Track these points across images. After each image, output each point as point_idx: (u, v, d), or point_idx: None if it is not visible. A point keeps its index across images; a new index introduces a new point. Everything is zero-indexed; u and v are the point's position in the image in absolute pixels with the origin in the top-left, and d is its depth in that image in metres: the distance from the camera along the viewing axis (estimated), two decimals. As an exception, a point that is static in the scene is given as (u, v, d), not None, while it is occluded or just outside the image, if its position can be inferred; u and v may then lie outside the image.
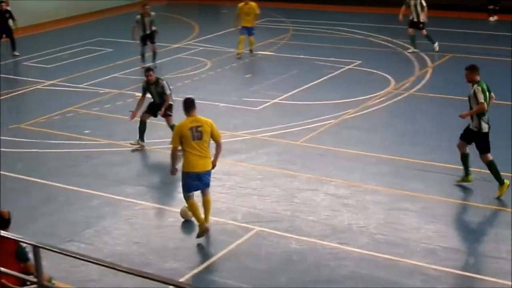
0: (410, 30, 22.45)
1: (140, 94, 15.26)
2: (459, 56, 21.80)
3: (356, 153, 14.36)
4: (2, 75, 21.65)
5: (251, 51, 23.10)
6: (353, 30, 25.67)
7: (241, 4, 23.07)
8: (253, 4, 22.86)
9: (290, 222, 11.52)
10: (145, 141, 15.09)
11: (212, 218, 11.42)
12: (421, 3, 22.21)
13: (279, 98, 18.16)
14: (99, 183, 13.32)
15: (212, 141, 10.96)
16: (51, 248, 7.03)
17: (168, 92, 14.92)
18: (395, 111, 17.17)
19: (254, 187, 12.91)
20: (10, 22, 23.73)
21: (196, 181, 10.85)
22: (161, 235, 11.34)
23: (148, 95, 15.15)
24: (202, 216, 11.03)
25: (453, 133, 15.25)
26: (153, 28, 21.57)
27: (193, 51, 23.80)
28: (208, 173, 10.96)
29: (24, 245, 8.11)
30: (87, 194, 12.86)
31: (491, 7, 27.60)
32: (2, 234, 7.58)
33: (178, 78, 20.32)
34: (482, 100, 11.79)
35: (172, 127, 14.29)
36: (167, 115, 14.98)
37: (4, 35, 23.77)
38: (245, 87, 19.47)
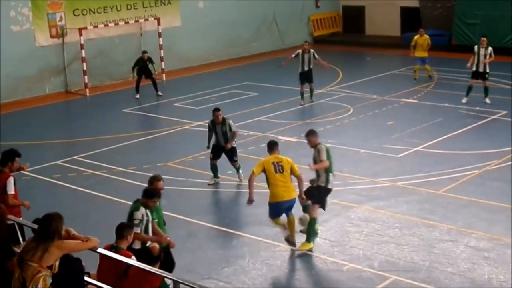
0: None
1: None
2: None
3: (499, 206, 14.00)
4: (152, 115, 22.75)
5: (430, 77, 26.09)
6: (499, 79, 25.10)
7: (416, 36, 26.05)
8: (427, 36, 26.03)
9: (428, 272, 11.36)
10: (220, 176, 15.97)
11: (349, 265, 11.47)
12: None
13: (421, 146, 18.01)
14: (240, 223, 13.69)
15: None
16: (190, 284, 7.30)
17: (234, 128, 15.73)
18: (543, 164, 16.62)
19: (392, 235, 12.84)
20: (150, 66, 24.96)
21: (282, 209, 12.04)
22: (298, 278, 11.50)
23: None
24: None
25: None
26: (311, 66, 22.75)
27: (336, 96, 24.05)
28: (293, 201, 12.05)
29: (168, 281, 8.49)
30: (228, 233, 13.24)
31: None
32: (148, 269, 7.97)
33: (320, 123, 20.57)
34: (325, 158, 12.02)
35: (238, 168, 15.86)
36: (233, 160, 15.79)
37: (143, 76, 25.03)
38: (386, 134, 19.44)
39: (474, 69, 22.07)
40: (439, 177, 15.62)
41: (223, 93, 25.25)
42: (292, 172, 12.00)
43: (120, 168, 17.15)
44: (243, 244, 12.74)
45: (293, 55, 23.11)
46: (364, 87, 25.40)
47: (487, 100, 21.95)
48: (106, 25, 27.77)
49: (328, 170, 12.23)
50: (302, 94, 23.16)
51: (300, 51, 22.92)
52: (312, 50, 23.11)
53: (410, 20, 35.56)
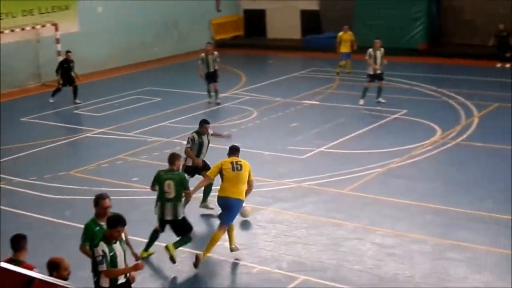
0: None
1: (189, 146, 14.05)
2: (504, 105, 21.71)
3: (402, 202, 14.30)
4: (52, 123, 22.21)
5: (348, 72, 27.33)
6: (399, 79, 25.70)
7: (341, 33, 27.31)
8: (350, 32, 27.43)
9: (336, 271, 11.48)
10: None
11: (258, 267, 11.46)
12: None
13: (325, 147, 18.22)
14: (149, 230, 13.44)
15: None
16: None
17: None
18: (442, 160, 17.09)
19: (300, 235, 12.92)
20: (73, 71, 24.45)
21: (224, 205, 11.86)
22: (206, 282, 11.41)
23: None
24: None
25: (500, 183, 15.23)
26: (216, 67, 23.25)
27: (240, 100, 24.08)
28: (238, 201, 11.83)
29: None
30: (133, 241, 12.98)
31: (508, 54, 27.70)
32: (52, 281, 7.62)
33: (225, 126, 20.54)
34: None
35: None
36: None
37: (68, 84, 24.46)
38: (290, 136, 19.58)
39: (372, 72, 22.50)
40: (344, 177, 15.83)
41: (125, 99, 24.89)
42: (248, 176, 12.01)
43: (20, 179, 16.62)
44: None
45: (199, 61, 23.40)
46: (267, 90, 25.55)
47: (381, 100, 22.40)
48: (2, 32, 26.91)
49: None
50: (209, 91, 23.67)
51: (203, 54, 23.29)
52: (216, 53, 23.48)
53: (310, 22, 36.04)
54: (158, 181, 11.92)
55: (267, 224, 13.45)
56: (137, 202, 14.99)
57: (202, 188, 13.53)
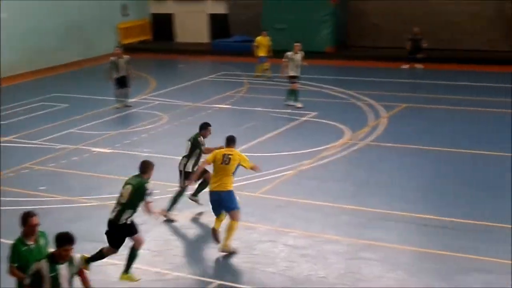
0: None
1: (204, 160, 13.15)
2: (412, 106, 22.20)
3: (314, 204, 14.37)
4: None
5: (267, 76, 27.19)
6: (308, 82, 25.91)
7: (259, 37, 27.42)
8: (268, 37, 27.50)
9: (250, 274, 11.42)
10: (100, 196, 14.93)
11: (172, 273, 11.28)
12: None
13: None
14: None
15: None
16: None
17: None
18: (352, 161, 17.29)
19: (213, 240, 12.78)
20: None
21: (212, 200, 12.28)
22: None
23: None
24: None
25: (410, 182, 15.54)
26: (127, 72, 23.20)
27: (150, 105, 23.78)
28: (223, 194, 12.17)
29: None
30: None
31: (419, 55, 28.35)
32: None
33: (135, 132, 20.25)
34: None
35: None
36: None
37: None
38: (202, 140, 19.40)
39: (290, 74, 22.50)
40: (256, 180, 15.79)
41: (31, 106, 24.20)
42: (243, 166, 12.43)
43: None
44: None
45: (109, 65, 23.27)
46: (177, 94, 25.34)
47: (298, 104, 22.45)
48: None
49: None
50: (118, 97, 23.47)
51: (113, 58, 23.18)
52: (126, 57, 23.35)
53: (219, 26, 36.04)
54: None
55: (180, 229, 13.26)
56: (46, 211, 14.52)
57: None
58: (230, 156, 12.37)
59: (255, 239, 12.76)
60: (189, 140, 14.13)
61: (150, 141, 19.31)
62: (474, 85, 25.10)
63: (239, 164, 12.40)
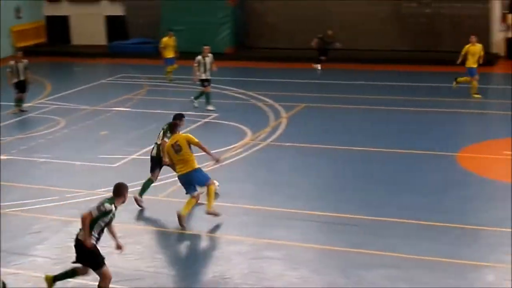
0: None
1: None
2: (310, 105, 22.54)
3: (217, 205, 14.33)
4: None
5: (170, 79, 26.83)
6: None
7: (165, 39, 26.91)
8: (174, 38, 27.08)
9: (154, 278, 11.31)
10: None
11: (72, 281, 11.03)
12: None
13: (137, 154, 17.96)
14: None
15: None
16: None
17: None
18: (254, 161, 17.39)
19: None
20: None
21: (184, 183, 13.37)
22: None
23: None
24: None
25: (310, 180, 15.77)
26: (26, 76, 22.86)
27: (46, 109, 23.23)
28: (192, 173, 13.26)
29: None
30: None
31: (323, 57, 28.84)
32: None
33: (31, 138, 19.73)
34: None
35: None
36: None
37: None
38: (101, 144, 19.12)
39: (202, 77, 22.33)
40: (158, 182, 15.60)
41: None
42: (192, 144, 13.31)
43: None
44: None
45: (8, 69, 22.85)
46: (75, 98, 24.85)
47: (210, 107, 22.31)
48: None
49: None
50: (18, 101, 22.99)
51: (13, 62, 22.84)
52: (24, 61, 22.98)
53: (116, 28, 35.58)
54: None
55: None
56: None
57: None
58: (177, 143, 13.27)
59: (159, 243, 12.65)
60: (162, 128, 14.69)
61: (47, 146, 18.86)
62: (370, 84, 25.69)
63: (189, 143, 13.28)
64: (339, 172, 16.35)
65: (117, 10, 35.57)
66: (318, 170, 16.43)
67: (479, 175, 15.82)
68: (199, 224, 13.46)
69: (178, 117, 14.51)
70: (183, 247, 12.44)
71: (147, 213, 14.11)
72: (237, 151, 17.97)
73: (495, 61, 29.62)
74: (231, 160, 17.26)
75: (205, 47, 22.68)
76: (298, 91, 24.99)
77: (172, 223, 13.51)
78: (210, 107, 22.32)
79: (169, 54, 26.94)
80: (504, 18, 30.61)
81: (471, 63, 22.88)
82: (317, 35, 28.97)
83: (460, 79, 23.37)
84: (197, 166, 13.35)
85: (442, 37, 30.82)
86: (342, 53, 30.21)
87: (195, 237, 12.84)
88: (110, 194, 10.63)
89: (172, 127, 13.79)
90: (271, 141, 18.75)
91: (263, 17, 33.28)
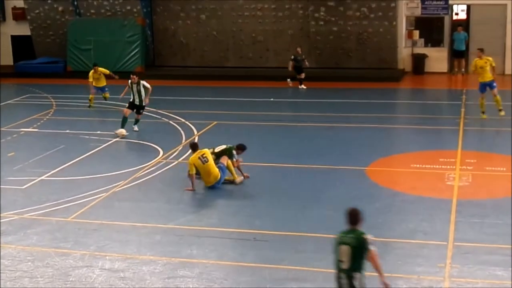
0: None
1: None
2: (221, 123, 22.63)
3: (130, 225, 14.20)
4: None
5: (105, 99, 26.32)
6: (118, 103, 25.60)
7: (91, 72, 25.87)
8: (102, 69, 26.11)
9: (66, 302, 11.07)
10: None
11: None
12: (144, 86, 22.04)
13: (46, 175, 17.59)
14: None
15: None
16: None
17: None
18: (166, 180, 17.26)
19: (25, 269, 12.25)
20: None
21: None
22: None
23: None
24: None
25: (225, 197, 15.75)
26: None
27: (-51, 132, 22.52)
28: (219, 182, 16.25)
29: None
30: None
31: (302, 75, 28.77)
32: None
33: None
34: None
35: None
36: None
37: None
38: (8, 166, 18.61)
39: (131, 100, 21.90)
40: (68, 204, 15.37)
41: None
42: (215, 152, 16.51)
43: None
44: None
45: None
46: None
47: (136, 128, 22.03)
48: None
49: None
50: None
51: None
52: None
53: (22, 48, 34.91)
54: None
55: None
56: None
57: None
58: (204, 155, 16.00)
59: (70, 265, 12.38)
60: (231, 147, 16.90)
61: (-49, 169, 18.26)
62: (282, 101, 26.02)
63: (214, 154, 16.31)
64: (252, 188, 16.42)
65: (24, 30, 34.87)
66: (231, 187, 16.45)
67: (389, 188, 16.17)
68: (111, 245, 13.26)
69: (241, 147, 17.08)
70: (96, 269, 12.19)
71: (57, 235, 13.81)
72: (150, 170, 17.83)
73: (402, 76, 30.48)
74: (143, 180, 17.12)
75: (133, 76, 22.07)
76: (210, 109, 25.06)
77: (83, 244, 13.28)
78: (135, 128, 22.00)
79: (102, 83, 26.15)
80: (410, 35, 31.51)
81: (480, 78, 22.24)
82: (290, 57, 28.96)
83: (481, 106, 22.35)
84: (219, 175, 16.07)
85: (349, 54, 31.51)
86: (252, 70, 30.50)
87: (108, 259, 12.62)
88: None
89: (234, 149, 16.68)
90: (183, 159, 18.68)
91: (173, 36, 33.28)
